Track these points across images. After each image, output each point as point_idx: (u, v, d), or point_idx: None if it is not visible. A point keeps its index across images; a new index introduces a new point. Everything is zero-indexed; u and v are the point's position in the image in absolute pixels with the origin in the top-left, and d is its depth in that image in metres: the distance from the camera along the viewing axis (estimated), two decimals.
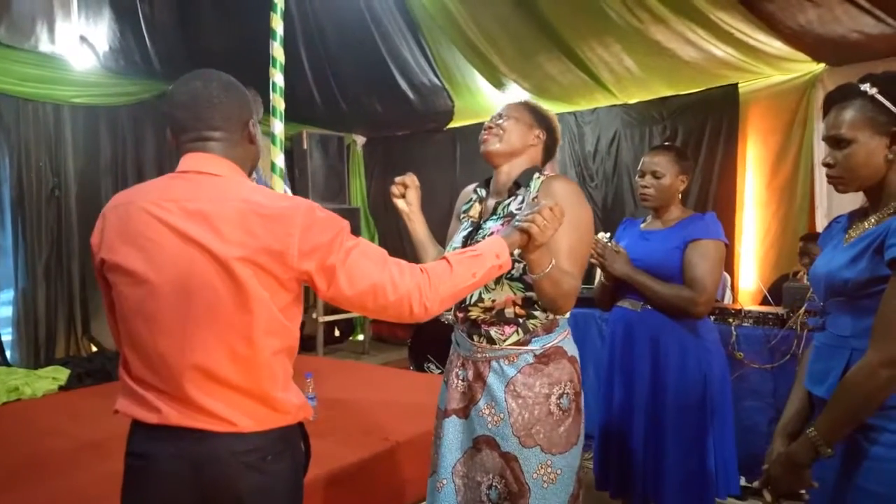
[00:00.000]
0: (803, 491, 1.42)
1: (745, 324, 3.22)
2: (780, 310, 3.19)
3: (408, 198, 1.85)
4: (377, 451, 2.97)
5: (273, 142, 3.15)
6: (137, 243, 1.26)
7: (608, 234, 2.36)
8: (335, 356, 6.21)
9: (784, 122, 4.52)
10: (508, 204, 1.75)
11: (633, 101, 5.22)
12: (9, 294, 4.79)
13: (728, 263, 4.39)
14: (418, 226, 1.88)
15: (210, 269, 1.21)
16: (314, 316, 6.07)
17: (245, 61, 4.74)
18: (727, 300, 4.06)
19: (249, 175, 1.42)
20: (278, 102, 3.14)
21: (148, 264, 1.24)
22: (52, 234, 4.97)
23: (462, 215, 1.90)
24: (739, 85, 4.68)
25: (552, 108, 5.97)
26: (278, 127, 3.14)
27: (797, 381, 1.58)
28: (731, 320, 3.24)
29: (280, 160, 3.15)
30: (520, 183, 1.74)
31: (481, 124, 1.85)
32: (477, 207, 1.86)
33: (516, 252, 1.54)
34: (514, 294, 1.68)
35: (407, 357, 5.30)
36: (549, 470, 1.64)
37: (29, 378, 4.25)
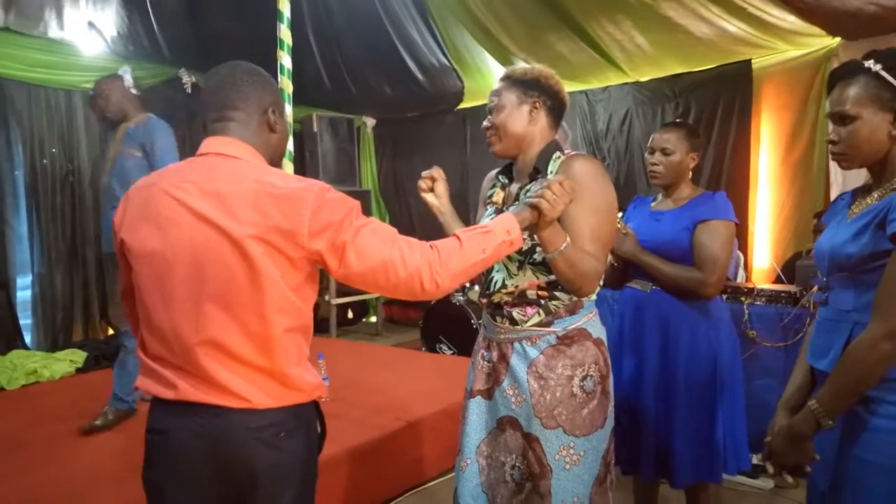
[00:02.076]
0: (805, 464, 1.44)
1: (758, 302, 3.20)
2: (793, 288, 3.17)
3: (437, 191, 1.83)
4: (390, 430, 3.00)
5: None
6: (156, 223, 1.29)
7: (619, 214, 2.34)
8: (348, 338, 6.26)
9: (799, 97, 4.45)
10: (530, 189, 1.71)
11: (645, 78, 5.16)
12: (26, 279, 4.85)
13: (741, 241, 4.35)
14: (450, 218, 1.85)
15: (224, 247, 1.25)
16: (327, 298, 6.10)
17: (253, 44, 4.73)
18: (740, 279, 4.03)
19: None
20: (286, 85, 3.14)
21: (165, 243, 1.28)
22: (66, 219, 5.02)
23: (486, 201, 1.88)
24: (753, 61, 4.60)
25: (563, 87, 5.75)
26: (287, 110, 3.14)
27: (800, 355, 1.59)
28: (743, 299, 3.22)
29: (289, 144, 3.16)
30: (539, 168, 1.70)
31: None
32: (500, 193, 1.83)
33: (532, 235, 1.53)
34: (538, 278, 1.66)
35: (419, 338, 5.33)
36: (572, 452, 1.62)
37: (47, 361, 4.33)
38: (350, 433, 2.85)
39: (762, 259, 4.64)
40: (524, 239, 1.55)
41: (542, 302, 1.67)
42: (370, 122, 7.27)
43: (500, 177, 1.86)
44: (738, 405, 2.21)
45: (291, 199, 1.25)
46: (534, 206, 1.43)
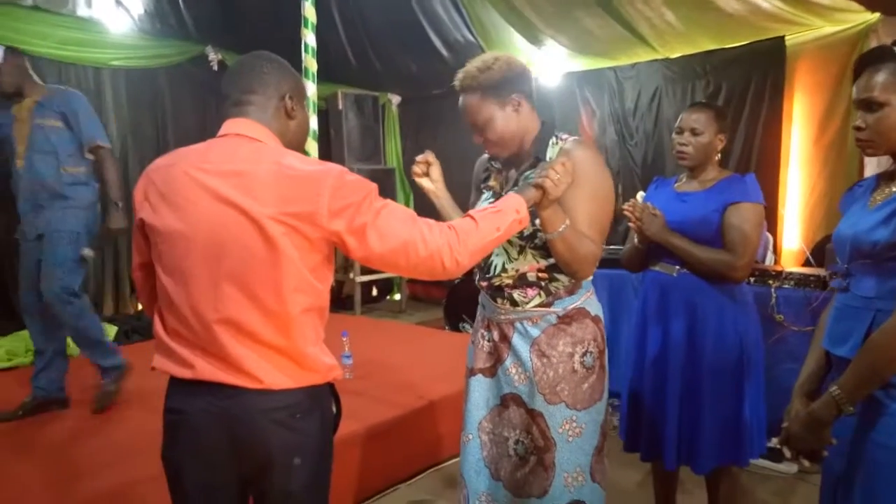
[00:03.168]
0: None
1: (786, 286, 3.15)
2: (822, 271, 3.11)
3: (432, 175, 1.84)
4: (412, 408, 3.02)
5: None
6: (176, 203, 1.31)
7: (641, 194, 2.31)
8: (372, 315, 6.31)
9: (834, 76, 4.31)
10: (529, 175, 1.72)
11: (674, 55, 5.05)
12: None
13: (771, 223, 4.27)
14: (446, 202, 1.87)
15: (243, 226, 1.26)
16: (351, 276, 6.14)
17: (279, 22, 4.73)
18: (769, 261, 3.97)
19: None
20: (310, 63, 3.14)
21: (184, 222, 1.30)
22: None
23: (482, 186, 1.90)
24: (786, 37, 4.47)
25: (591, 64, 5.72)
26: (311, 88, 3.14)
27: (814, 341, 1.60)
28: (771, 282, 3.17)
29: (314, 122, 3.16)
30: (539, 157, 1.71)
31: None
32: (496, 179, 1.85)
33: (536, 222, 1.55)
34: (538, 262, 1.70)
35: (442, 317, 5.34)
36: (574, 425, 1.70)
37: None
38: (371, 411, 2.88)
39: (792, 241, 4.55)
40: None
41: (543, 284, 1.71)
42: (395, 99, 7.24)
43: (492, 162, 1.87)
44: (759, 391, 2.19)
45: (311, 180, 1.27)
46: (538, 185, 1.48)
